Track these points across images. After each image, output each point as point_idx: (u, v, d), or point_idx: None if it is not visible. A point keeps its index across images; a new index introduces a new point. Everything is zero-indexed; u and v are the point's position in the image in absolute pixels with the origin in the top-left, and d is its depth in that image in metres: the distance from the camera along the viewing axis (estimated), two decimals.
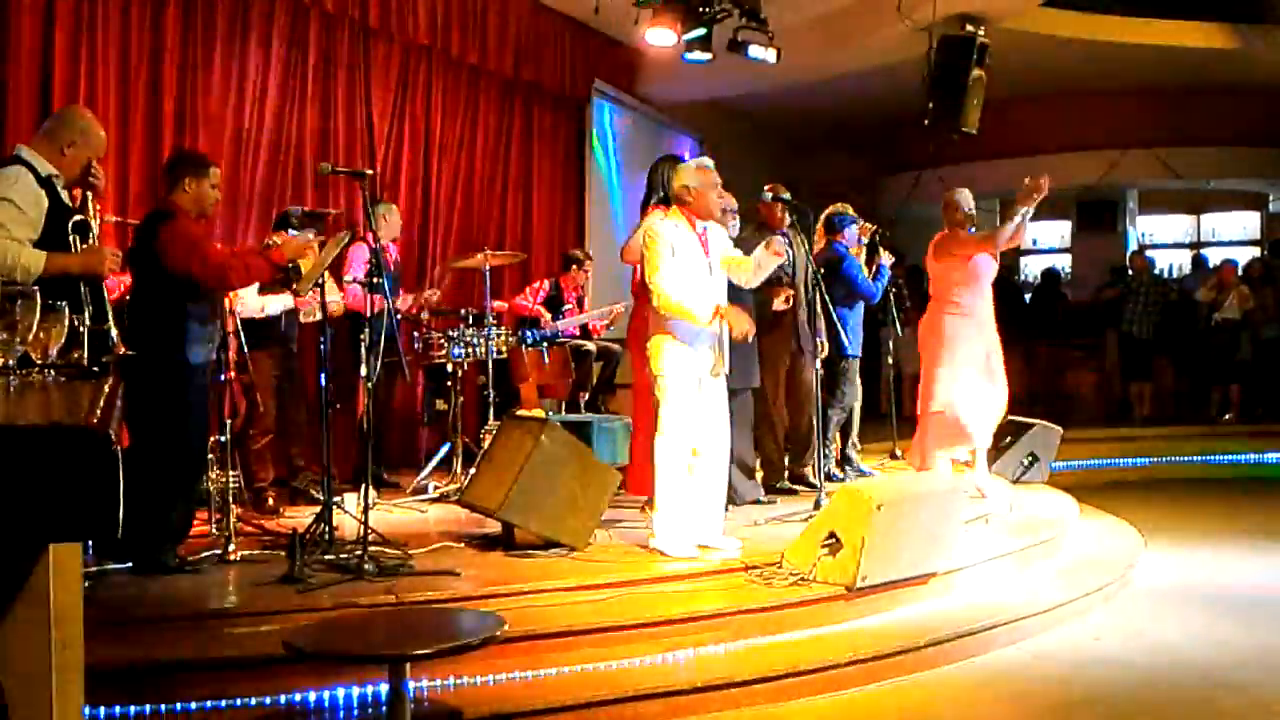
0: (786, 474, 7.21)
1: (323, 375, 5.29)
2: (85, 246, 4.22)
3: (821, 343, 6.76)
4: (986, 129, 9.76)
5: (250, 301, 6.14)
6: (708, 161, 5.42)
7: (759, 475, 7.00)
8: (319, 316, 5.57)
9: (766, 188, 6.78)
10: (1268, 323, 11.69)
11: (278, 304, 6.26)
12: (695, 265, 5.21)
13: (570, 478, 5.27)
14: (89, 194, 4.44)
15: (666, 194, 5.90)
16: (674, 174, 5.62)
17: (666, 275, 5.12)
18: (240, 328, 5.86)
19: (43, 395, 2.17)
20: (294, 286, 5.95)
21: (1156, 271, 13.78)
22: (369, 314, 5.72)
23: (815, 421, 6.50)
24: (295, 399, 6.55)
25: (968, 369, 6.61)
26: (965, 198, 6.86)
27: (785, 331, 6.94)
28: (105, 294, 4.23)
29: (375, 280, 5.44)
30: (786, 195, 6.70)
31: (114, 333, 3.94)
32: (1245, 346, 11.70)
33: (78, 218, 4.25)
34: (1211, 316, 11.89)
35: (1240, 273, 12.90)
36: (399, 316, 7.22)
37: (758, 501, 6.56)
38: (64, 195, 4.30)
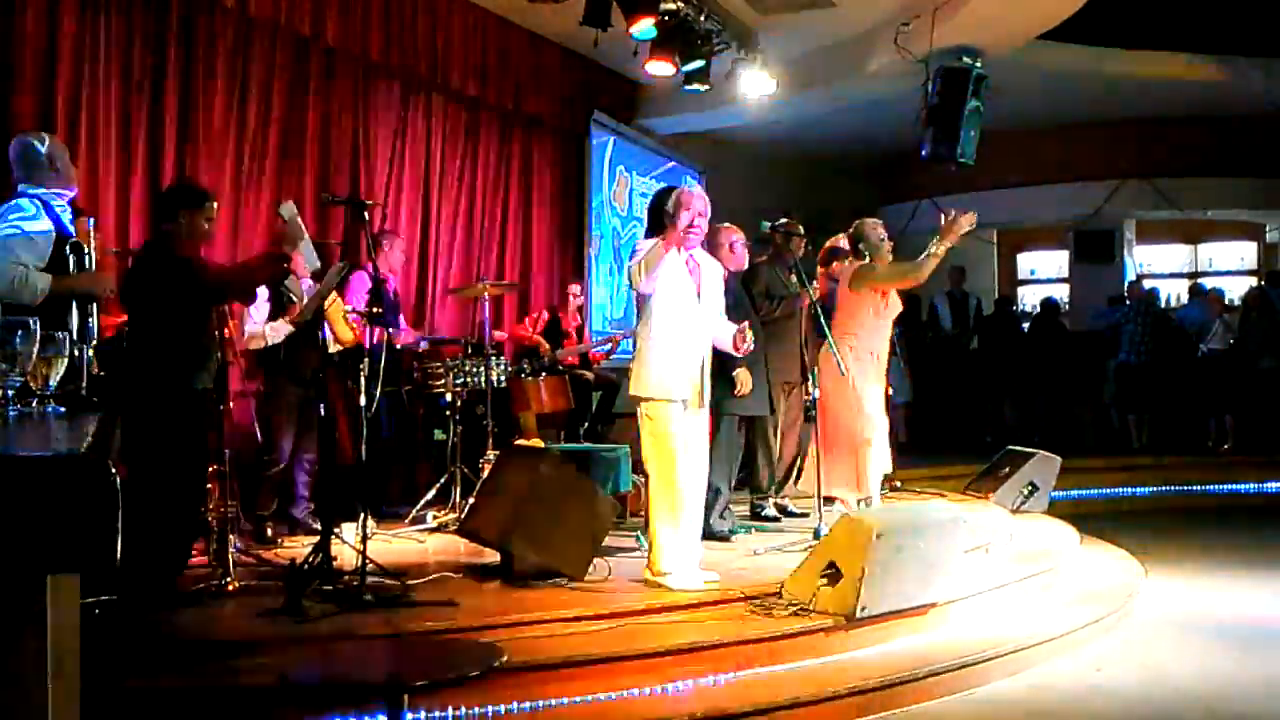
0: (771, 501, 7.22)
1: (321, 406, 5.29)
2: (86, 270, 4.32)
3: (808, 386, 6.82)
4: (984, 160, 9.81)
5: (252, 329, 6.15)
6: (694, 189, 5.44)
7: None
8: (339, 346, 5.57)
9: (769, 225, 6.79)
10: (1266, 353, 11.68)
11: (280, 332, 6.26)
12: (682, 288, 5.22)
13: (569, 508, 5.27)
14: (91, 221, 4.54)
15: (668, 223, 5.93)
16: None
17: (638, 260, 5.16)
18: (240, 358, 5.87)
19: (42, 425, 2.18)
20: (295, 317, 5.98)
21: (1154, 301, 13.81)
22: (368, 345, 5.74)
23: (815, 450, 6.50)
24: (312, 429, 6.42)
25: (873, 399, 6.53)
26: (874, 228, 6.78)
27: (789, 359, 6.95)
28: (94, 317, 4.31)
29: (375, 311, 5.45)
30: (778, 223, 6.75)
31: (90, 354, 4.04)
32: (1235, 376, 11.69)
33: (73, 239, 4.33)
34: (1196, 347, 11.92)
35: (1236, 302, 12.93)
36: (399, 347, 7.24)
37: (727, 535, 6.49)
38: (66, 220, 4.39)
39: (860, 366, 6.44)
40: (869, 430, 6.49)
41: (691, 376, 5.22)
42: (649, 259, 5.14)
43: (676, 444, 5.16)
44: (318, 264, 5.83)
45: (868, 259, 6.60)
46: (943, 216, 6.31)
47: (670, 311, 5.18)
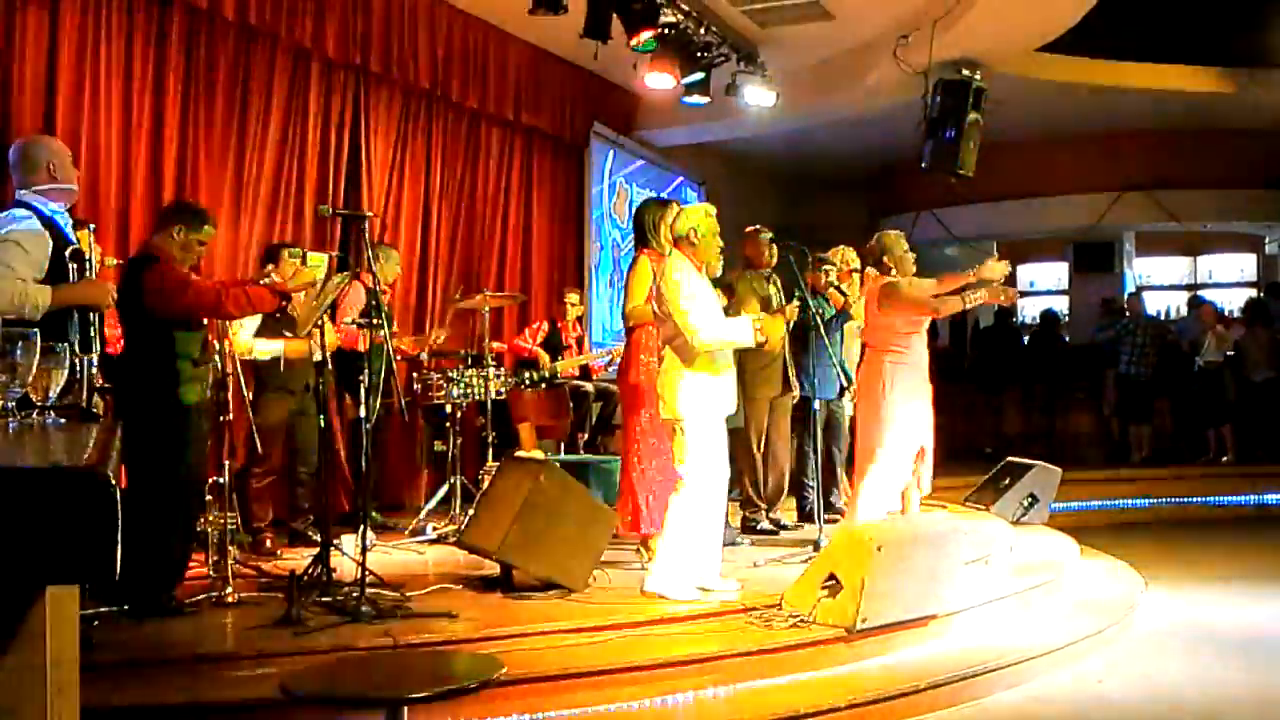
0: (765, 514, 7.19)
1: (321, 417, 5.29)
2: (87, 279, 4.29)
3: (797, 384, 6.81)
4: (983, 172, 9.82)
5: (239, 342, 6.13)
6: (712, 208, 5.41)
7: (737, 518, 7.01)
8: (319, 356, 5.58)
9: (748, 229, 6.80)
10: (1262, 365, 11.68)
11: (268, 347, 6.25)
12: (714, 305, 5.22)
13: (569, 519, 5.26)
14: (91, 227, 4.53)
15: (652, 236, 5.93)
16: (664, 216, 5.66)
17: (697, 311, 5.04)
18: (240, 369, 5.86)
19: (42, 437, 2.17)
20: (291, 328, 5.98)
21: (1154, 313, 13.82)
22: (366, 354, 5.74)
23: (815, 463, 6.50)
24: (308, 440, 6.42)
25: (908, 415, 6.42)
26: (899, 240, 6.76)
27: (771, 372, 6.94)
28: (96, 325, 4.29)
29: (375, 322, 5.45)
30: (769, 234, 6.74)
31: (94, 366, 4.02)
32: (1230, 387, 11.69)
33: (73, 247, 4.30)
34: (1194, 360, 11.92)
35: (1236, 314, 12.94)
36: (397, 357, 7.24)
37: (733, 543, 6.50)
38: (68, 228, 4.36)
39: (902, 381, 6.39)
40: (886, 450, 6.40)
41: (729, 387, 5.23)
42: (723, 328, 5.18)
43: (714, 459, 5.15)
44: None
45: (893, 272, 6.57)
46: (987, 265, 6.31)
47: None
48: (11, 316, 3.84)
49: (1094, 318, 13.84)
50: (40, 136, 5.16)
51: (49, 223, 4.26)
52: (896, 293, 6.42)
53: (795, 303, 6.47)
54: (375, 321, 5.57)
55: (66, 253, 4.25)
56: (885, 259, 6.58)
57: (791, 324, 6.74)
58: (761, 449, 7.06)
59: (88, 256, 4.40)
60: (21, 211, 4.23)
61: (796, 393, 6.95)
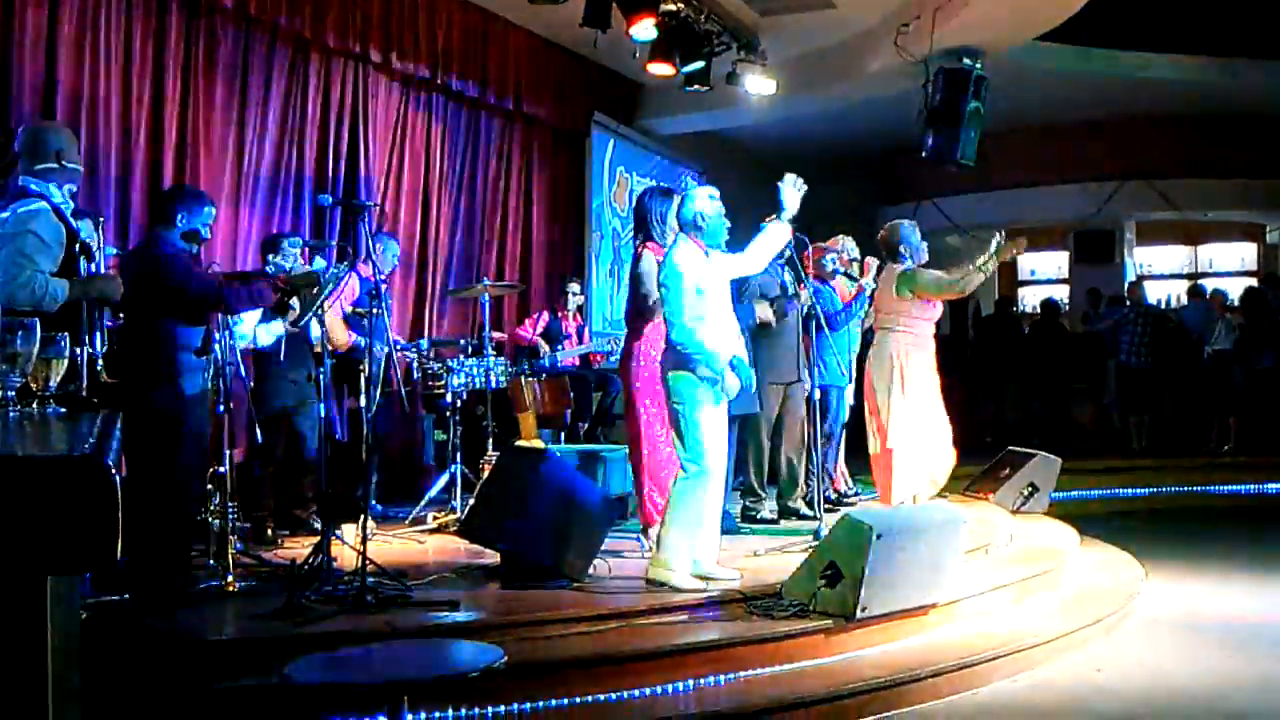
0: (771, 505, 7.17)
1: (321, 406, 5.29)
2: (100, 273, 4.28)
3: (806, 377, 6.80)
4: (984, 161, 9.81)
5: (243, 330, 6.12)
6: (714, 190, 5.41)
7: (738, 506, 7.00)
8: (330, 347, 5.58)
9: (763, 220, 6.78)
10: (1262, 353, 11.68)
11: (268, 334, 6.25)
12: (717, 297, 5.20)
13: (569, 508, 5.26)
14: (101, 219, 4.52)
15: (654, 227, 5.91)
16: (671, 204, 5.64)
17: (689, 316, 5.04)
18: (240, 359, 5.85)
19: (42, 426, 2.18)
20: (292, 318, 5.98)
21: (1154, 302, 13.81)
22: (368, 346, 5.73)
23: (816, 452, 6.49)
24: (308, 429, 6.42)
25: (925, 401, 6.45)
26: (913, 229, 6.73)
27: (783, 360, 6.92)
28: (104, 319, 4.29)
29: (375, 312, 5.45)
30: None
31: (100, 361, 4.02)
32: (1240, 375, 11.68)
33: (82, 238, 4.30)
34: (1203, 348, 11.90)
35: (1233, 304, 12.93)
36: (399, 347, 7.24)
37: (734, 531, 6.49)
38: (68, 212, 4.35)
39: (912, 362, 6.39)
40: (897, 438, 6.40)
41: (729, 379, 5.22)
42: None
43: (716, 446, 5.16)
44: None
45: (910, 262, 6.56)
46: (997, 237, 6.33)
47: (714, 312, 5.14)
48: (29, 309, 3.81)
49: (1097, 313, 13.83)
50: (51, 123, 5.13)
51: (58, 212, 4.25)
52: (917, 280, 6.45)
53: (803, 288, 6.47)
54: (377, 313, 5.58)
55: (76, 245, 4.24)
56: (901, 248, 6.59)
57: (805, 310, 6.73)
58: (770, 437, 7.05)
59: (94, 248, 4.39)
60: (33, 200, 4.21)
61: (809, 383, 6.92)
